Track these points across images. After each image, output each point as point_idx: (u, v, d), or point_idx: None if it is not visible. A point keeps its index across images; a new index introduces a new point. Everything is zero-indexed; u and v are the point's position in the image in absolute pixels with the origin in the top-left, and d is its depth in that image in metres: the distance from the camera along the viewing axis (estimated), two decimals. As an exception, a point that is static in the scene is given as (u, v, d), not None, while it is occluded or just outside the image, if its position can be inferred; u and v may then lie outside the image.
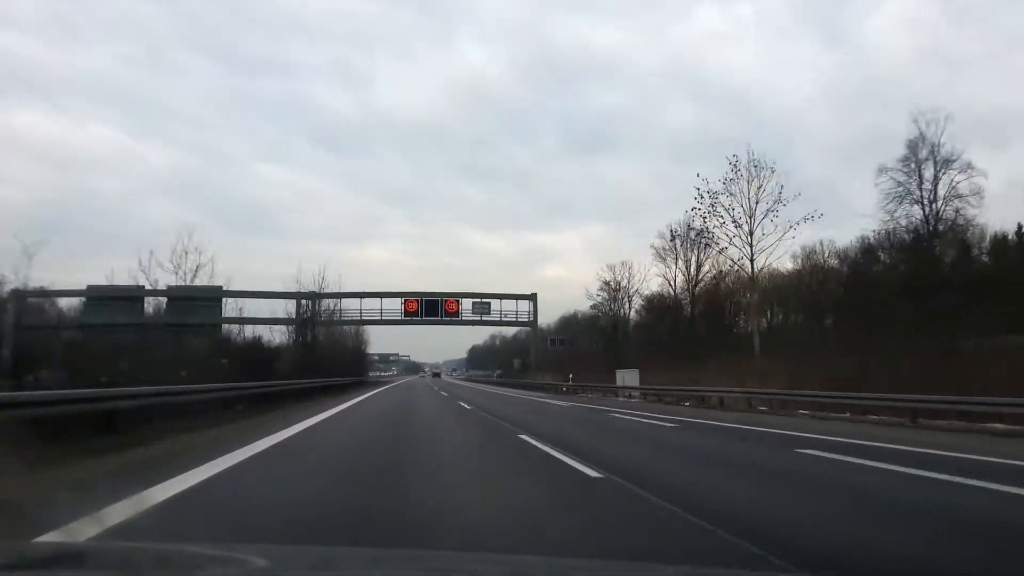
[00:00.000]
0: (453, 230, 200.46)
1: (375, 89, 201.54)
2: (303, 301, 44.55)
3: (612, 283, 58.20)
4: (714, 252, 41.18)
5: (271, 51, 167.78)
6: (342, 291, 49.37)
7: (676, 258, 50.35)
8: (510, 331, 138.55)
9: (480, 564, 2.48)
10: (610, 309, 60.29)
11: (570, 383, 44.32)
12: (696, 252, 48.51)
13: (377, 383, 63.19)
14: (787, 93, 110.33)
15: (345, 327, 53.67)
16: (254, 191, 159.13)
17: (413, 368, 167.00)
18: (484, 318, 57.84)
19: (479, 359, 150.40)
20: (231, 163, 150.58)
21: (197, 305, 38.25)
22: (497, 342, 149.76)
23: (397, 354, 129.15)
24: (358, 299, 54.28)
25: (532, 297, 58.87)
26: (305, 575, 2.02)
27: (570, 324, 74.66)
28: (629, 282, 57.77)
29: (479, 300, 57.70)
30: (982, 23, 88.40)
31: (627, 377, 36.82)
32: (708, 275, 48.67)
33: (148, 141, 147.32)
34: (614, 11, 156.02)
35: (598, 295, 59.75)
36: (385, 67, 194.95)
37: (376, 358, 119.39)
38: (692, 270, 50.09)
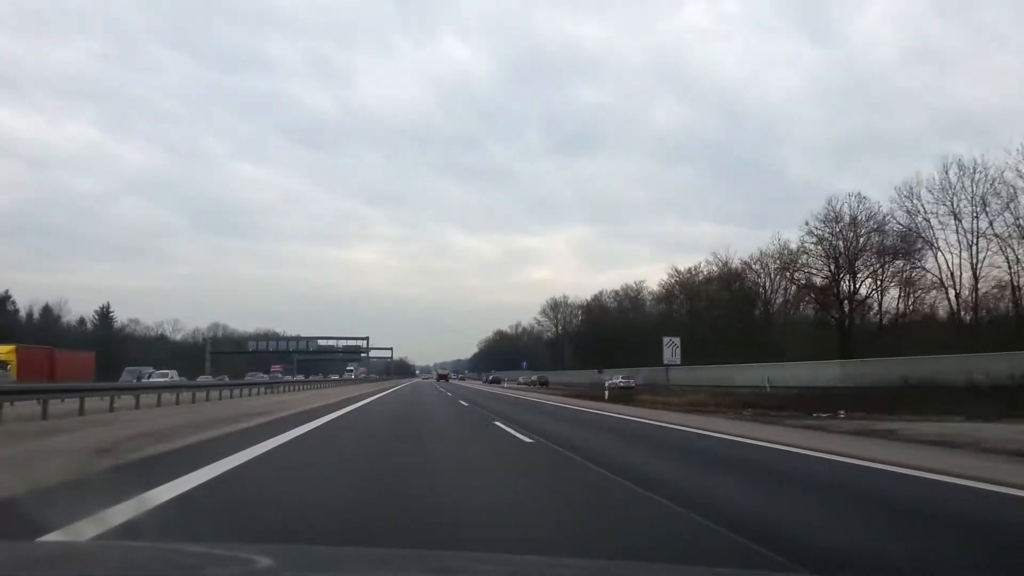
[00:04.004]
0: (438, 230, 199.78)
1: (355, 87, 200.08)
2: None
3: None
4: None
5: (248, 46, 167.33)
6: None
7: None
8: (511, 319, 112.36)
9: (482, 564, 2.46)
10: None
11: None
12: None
13: None
14: (773, 90, 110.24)
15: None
16: (232, 190, 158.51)
17: (401, 370, 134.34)
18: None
19: (493, 359, 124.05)
20: (207, 161, 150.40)
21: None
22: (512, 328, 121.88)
23: (367, 339, 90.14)
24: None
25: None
26: (308, 575, 2.00)
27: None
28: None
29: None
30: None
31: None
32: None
33: (122, 139, 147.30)
34: (598, 6, 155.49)
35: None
36: (365, 64, 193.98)
37: (339, 348, 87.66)
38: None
